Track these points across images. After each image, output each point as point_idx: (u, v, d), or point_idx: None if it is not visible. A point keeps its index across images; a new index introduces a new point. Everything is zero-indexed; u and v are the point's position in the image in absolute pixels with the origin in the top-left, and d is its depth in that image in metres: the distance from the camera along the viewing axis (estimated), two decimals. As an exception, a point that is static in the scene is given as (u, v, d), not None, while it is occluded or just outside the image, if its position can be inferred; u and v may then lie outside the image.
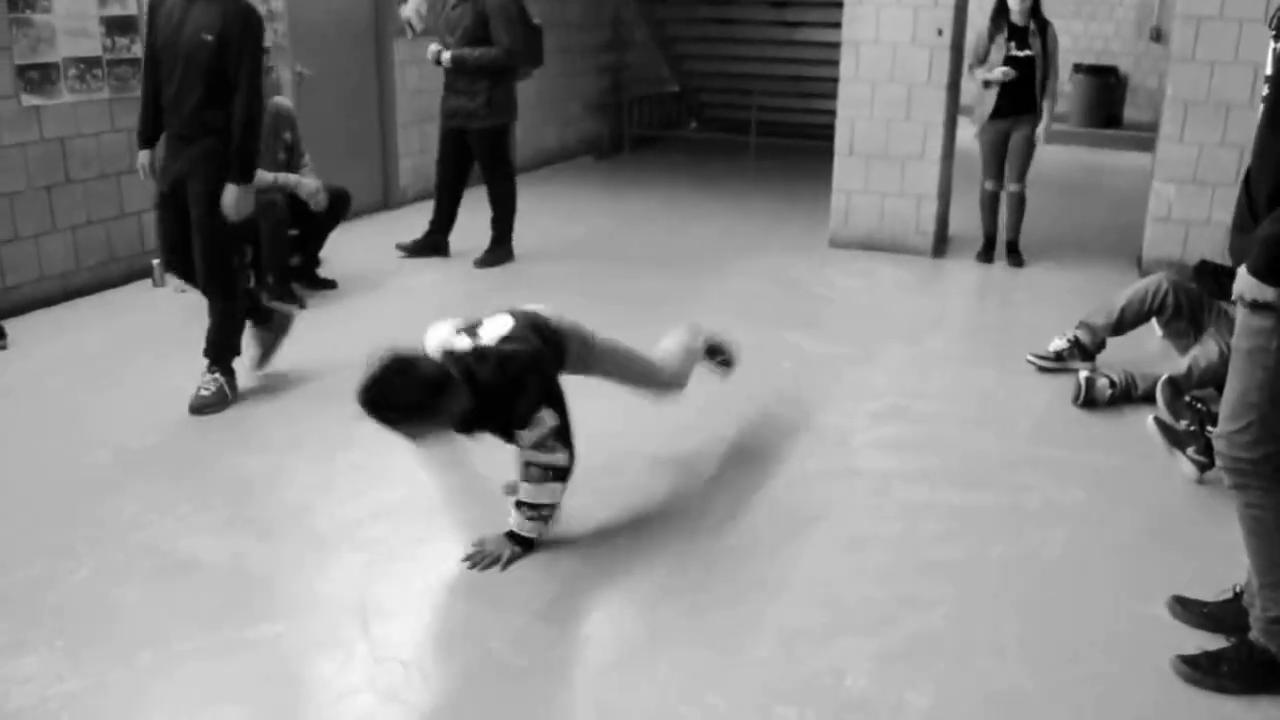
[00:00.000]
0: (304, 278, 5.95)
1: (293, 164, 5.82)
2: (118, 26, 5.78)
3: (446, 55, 6.40)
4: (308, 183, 5.72)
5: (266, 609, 3.01)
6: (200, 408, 4.32)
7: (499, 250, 6.72)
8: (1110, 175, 10.38)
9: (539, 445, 3.19)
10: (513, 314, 3.42)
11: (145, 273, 6.03)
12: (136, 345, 5.12)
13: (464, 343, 3.26)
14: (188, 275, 4.45)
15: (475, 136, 6.54)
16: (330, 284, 6.03)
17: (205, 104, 4.13)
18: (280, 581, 3.15)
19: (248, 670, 2.75)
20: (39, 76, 5.42)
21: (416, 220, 7.20)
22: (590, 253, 7.04)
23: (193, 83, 4.11)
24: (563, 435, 3.24)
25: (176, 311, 5.62)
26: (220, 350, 4.43)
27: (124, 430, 4.15)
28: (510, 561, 3.25)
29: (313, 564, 3.24)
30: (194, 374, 4.38)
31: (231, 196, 4.18)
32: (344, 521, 3.50)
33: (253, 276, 5.78)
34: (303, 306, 5.62)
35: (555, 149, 10.25)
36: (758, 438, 4.20)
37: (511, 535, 3.29)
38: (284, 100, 5.94)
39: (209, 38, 4.06)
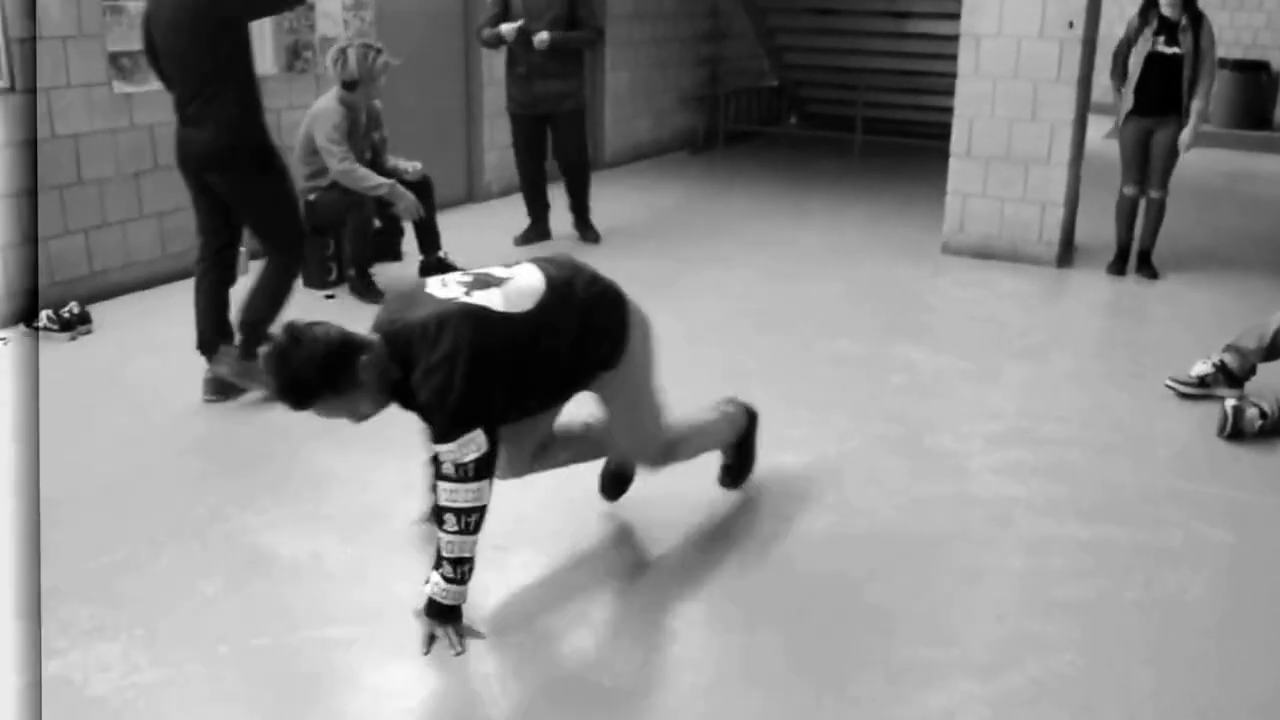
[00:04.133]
0: (444, 272, 5.84)
1: (377, 162, 5.79)
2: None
3: (544, 36, 6.25)
4: (409, 198, 5.53)
5: (343, 610, 2.97)
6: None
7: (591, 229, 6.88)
8: (1259, 182, 9.67)
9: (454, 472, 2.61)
10: (550, 271, 2.82)
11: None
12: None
13: (450, 293, 2.73)
14: None
15: (570, 118, 6.60)
16: None
17: None
18: (358, 583, 3.11)
19: (323, 672, 2.72)
20: (130, 64, 5.40)
21: (504, 215, 7.18)
22: (681, 253, 6.71)
23: None
24: (484, 466, 2.64)
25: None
26: None
27: (207, 418, 4.18)
28: (458, 637, 2.74)
29: (391, 567, 3.16)
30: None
31: None
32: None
33: (335, 270, 5.74)
34: (381, 298, 5.50)
35: (648, 143, 9.99)
36: (864, 458, 3.93)
37: (429, 606, 2.73)
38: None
39: None
